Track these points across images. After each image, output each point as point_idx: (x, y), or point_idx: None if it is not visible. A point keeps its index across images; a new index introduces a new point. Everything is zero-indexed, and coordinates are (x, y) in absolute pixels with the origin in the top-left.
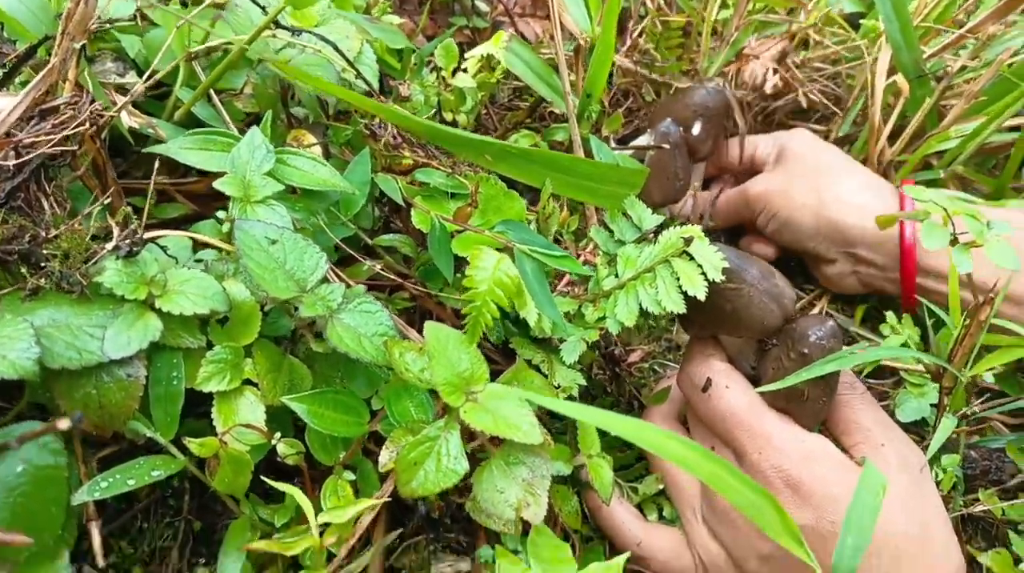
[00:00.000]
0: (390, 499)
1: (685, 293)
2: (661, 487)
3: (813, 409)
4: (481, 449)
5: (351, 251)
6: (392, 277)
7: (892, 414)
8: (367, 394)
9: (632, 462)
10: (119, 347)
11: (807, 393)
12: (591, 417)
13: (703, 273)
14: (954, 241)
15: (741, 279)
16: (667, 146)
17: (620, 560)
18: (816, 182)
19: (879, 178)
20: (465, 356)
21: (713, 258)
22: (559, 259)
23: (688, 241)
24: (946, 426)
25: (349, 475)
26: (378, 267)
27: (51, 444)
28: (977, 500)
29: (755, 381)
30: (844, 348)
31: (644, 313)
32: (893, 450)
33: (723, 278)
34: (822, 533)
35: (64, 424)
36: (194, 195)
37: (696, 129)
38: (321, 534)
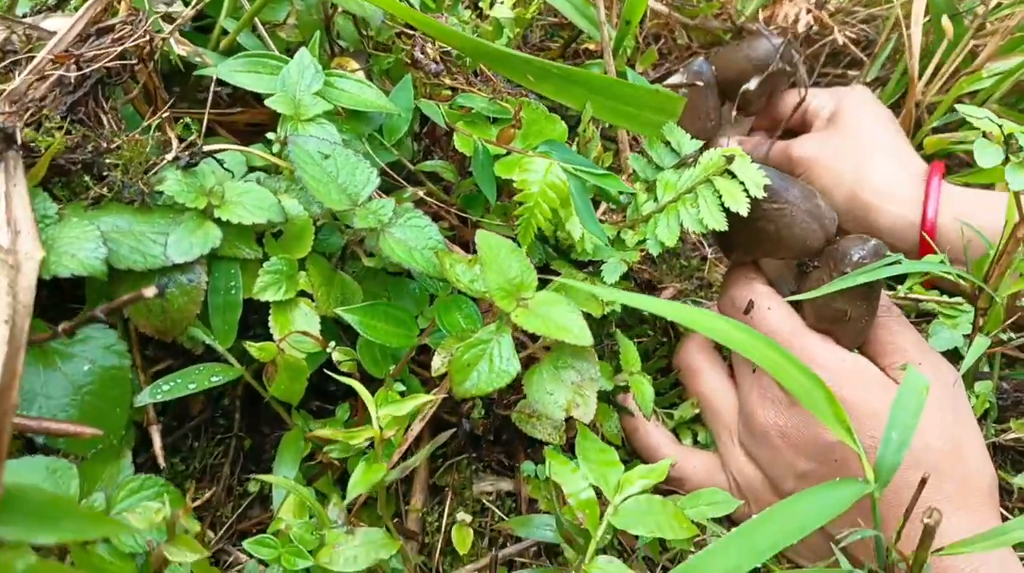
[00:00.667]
0: (435, 412)
1: (728, 211)
2: (696, 412)
3: (855, 330)
4: (532, 359)
5: (395, 176)
6: (434, 202)
7: None
8: (414, 313)
9: (667, 389)
10: (181, 252)
11: (850, 313)
12: (649, 305)
13: (745, 190)
14: (1006, 159)
15: (784, 199)
16: (700, 83)
17: (664, 464)
18: (860, 159)
19: (920, 161)
20: (516, 263)
21: (755, 175)
22: (602, 177)
23: (730, 159)
24: (980, 345)
25: (399, 386)
26: (421, 193)
27: (115, 346)
28: (1009, 429)
29: (795, 307)
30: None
31: (683, 238)
32: (930, 367)
33: (766, 197)
34: (864, 448)
35: (151, 292)
36: (237, 130)
37: (753, 83)
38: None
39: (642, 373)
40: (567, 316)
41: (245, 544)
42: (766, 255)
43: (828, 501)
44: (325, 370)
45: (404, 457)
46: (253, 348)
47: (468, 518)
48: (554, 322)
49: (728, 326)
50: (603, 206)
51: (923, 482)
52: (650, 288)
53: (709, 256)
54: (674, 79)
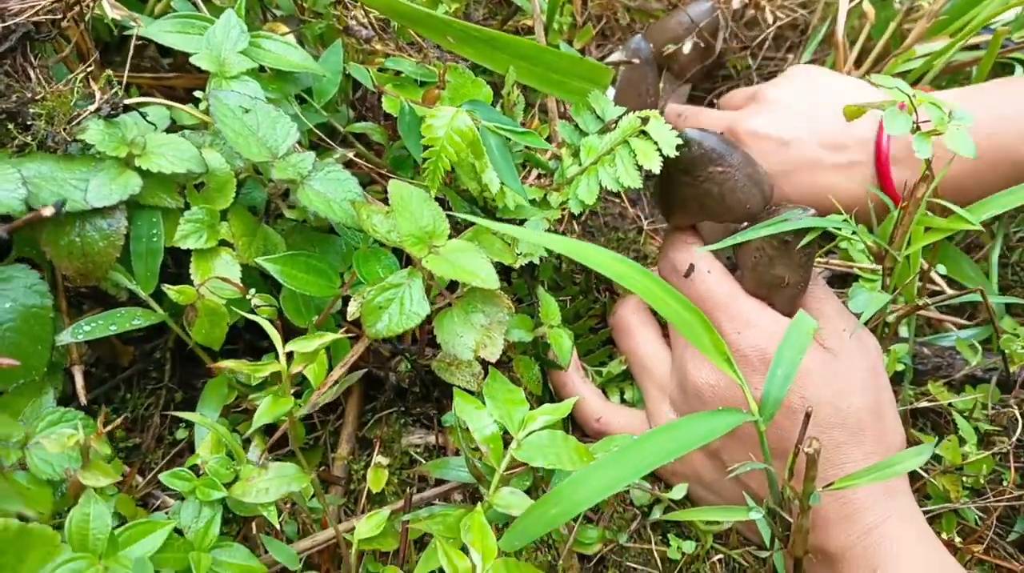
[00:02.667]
0: (365, 368)
1: (673, 175)
2: (624, 368)
3: (790, 296)
4: (445, 307)
5: (326, 139)
6: (364, 165)
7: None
8: (339, 269)
9: (596, 347)
10: (101, 197)
11: (788, 280)
12: (565, 247)
13: (659, 150)
14: (916, 128)
15: (728, 163)
16: (637, 60)
17: (568, 403)
18: (804, 121)
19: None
20: (427, 211)
21: (668, 136)
22: (523, 135)
23: (645, 120)
24: (879, 299)
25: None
26: (351, 155)
27: (37, 286)
28: (927, 393)
29: (732, 272)
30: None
31: (622, 213)
32: (853, 335)
33: (712, 159)
34: (793, 407)
35: (48, 211)
36: (176, 96)
37: (687, 47)
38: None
39: (562, 326)
40: (476, 261)
41: (162, 477)
42: (708, 218)
43: (709, 426)
44: (249, 317)
45: (334, 410)
46: (171, 291)
47: (385, 462)
48: (463, 267)
49: (612, 260)
50: (534, 172)
51: (807, 416)
52: None
53: (645, 228)
54: (613, 57)
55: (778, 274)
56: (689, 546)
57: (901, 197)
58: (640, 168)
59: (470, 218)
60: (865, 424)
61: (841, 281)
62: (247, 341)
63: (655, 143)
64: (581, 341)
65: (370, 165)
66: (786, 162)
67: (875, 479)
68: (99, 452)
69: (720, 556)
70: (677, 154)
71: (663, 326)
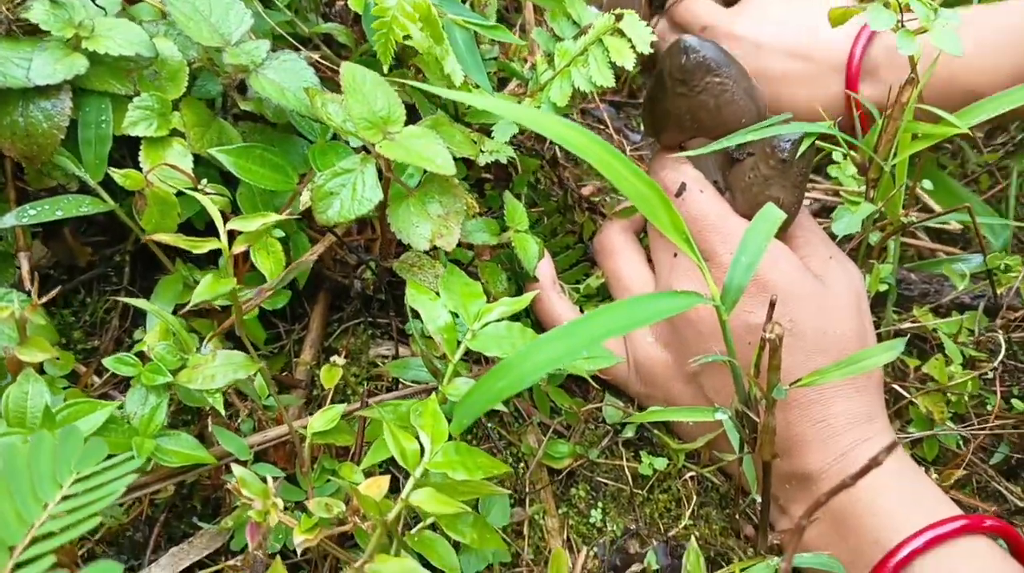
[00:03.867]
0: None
1: (668, 87)
2: (601, 282)
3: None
4: (401, 198)
5: (292, 41)
6: (328, 67)
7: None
8: (301, 171)
9: (574, 263)
10: (44, 75)
11: (782, 201)
12: (513, 113)
13: (633, 47)
14: (900, 26)
15: (725, 74)
16: None
17: (527, 297)
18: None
19: None
20: (382, 95)
21: (642, 32)
22: (491, 28)
23: (619, 18)
24: (864, 209)
25: (279, 232)
26: (316, 57)
27: None
28: (913, 318)
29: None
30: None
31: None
32: (839, 263)
33: (709, 68)
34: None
35: None
36: None
37: None
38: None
39: (528, 232)
40: (432, 147)
41: (106, 361)
42: (701, 133)
43: (663, 305)
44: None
45: (299, 320)
46: (118, 174)
47: (341, 361)
48: (418, 153)
49: (567, 129)
50: (512, 82)
51: (772, 305)
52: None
53: (628, 152)
54: None
55: (773, 194)
56: (661, 463)
57: (866, 116)
58: (613, 66)
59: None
60: (848, 351)
61: (827, 214)
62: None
63: (629, 40)
64: (558, 258)
65: (335, 68)
66: (756, 69)
67: (846, 373)
68: (36, 324)
69: (692, 474)
70: (674, 62)
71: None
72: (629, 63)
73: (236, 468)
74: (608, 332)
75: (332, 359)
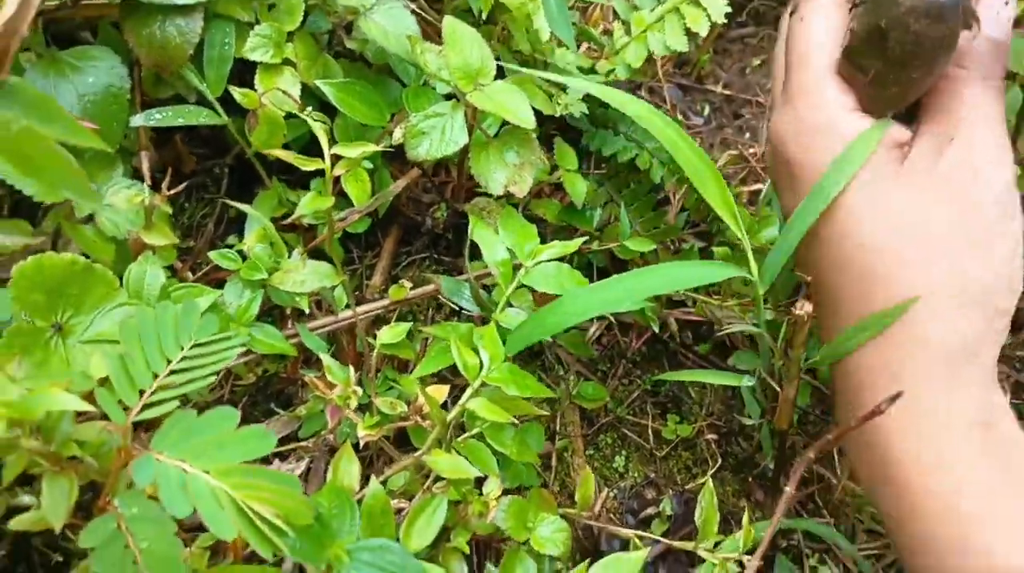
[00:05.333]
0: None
1: None
2: None
3: (879, 95)
4: (483, 144)
5: None
6: (422, 14)
7: None
8: (392, 110)
9: (652, 207)
10: None
11: (873, 73)
12: (593, 88)
13: (708, 15)
14: None
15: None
16: None
17: (577, 242)
18: None
19: None
20: (477, 50)
21: (718, 3)
22: None
23: None
24: None
25: (368, 164)
26: (413, 6)
27: (117, 69)
28: None
29: None
30: None
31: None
32: (982, 155)
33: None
34: (905, 258)
35: None
36: None
37: None
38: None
39: (577, 170)
40: (517, 102)
41: (211, 254)
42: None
43: (709, 271)
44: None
45: (371, 248)
46: (237, 92)
47: (408, 284)
48: (504, 105)
49: (653, 115)
50: (584, 46)
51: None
52: None
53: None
54: None
55: (861, 62)
56: (685, 430)
57: None
58: (688, 32)
59: (514, 67)
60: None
61: None
62: (300, 175)
63: (704, 9)
64: (632, 208)
65: (428, 16)
66: None
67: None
68: (163, 212)
69: (714, 437)
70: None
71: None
72: (704, 30)
73: (325, 358)
74: (651, 289)
75: (400, 281)
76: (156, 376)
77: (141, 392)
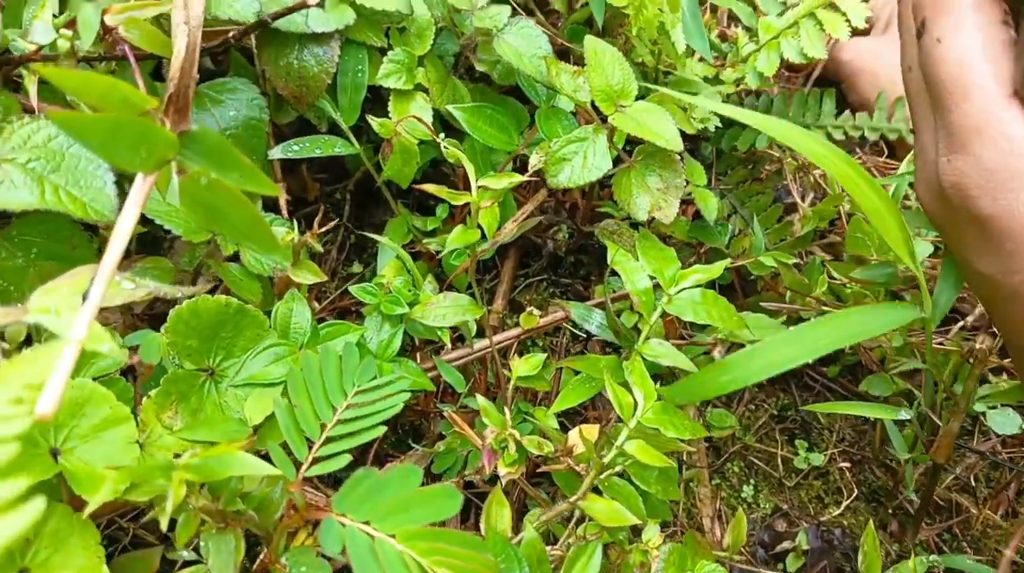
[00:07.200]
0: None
1: None
2: None
3: None
4: (624, 168)
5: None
6: (542, 30)
7: None
8: (520, 130)
9: (765, 207)
10: (320, 23)
11: None
12: (746, 117)
13: (847, 20)
14: None
15: None
16: None
17: (721, 265)
18: None
19: None
20: (619, 71)
21: (858, 7)
22: None
23: None
24: None
25: None
26: (532, 22)
27: (257, 100)
28: None
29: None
30: None
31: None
32: None
33: None
34: None
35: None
36: None
37: None
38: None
39: (707, 187)
40: (662, 123)
41: (351, 288)
42: None
43: (883, 319)
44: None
45: (489, 271)
46: (375, 122)
47: (537, 312)
48: (649, 127)
49: (804, 137)
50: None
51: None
52: None
53: None
54: None
55: None
56: (817, 459)
57: None
58: (828, 39)
59: (648, 86)
60: None
61: None
62: (416, 197)
63: (844, 14)
64: (747, 205)
65: (548, 32)
66: None
67: None
68: (313, 248)
69: (847, 465)
70: None
71: None
72: (844, 35)
73: (480, 399)
74: (836, 342)
75: (529, 308)
76: (323, 426)
77: (309, 444)
